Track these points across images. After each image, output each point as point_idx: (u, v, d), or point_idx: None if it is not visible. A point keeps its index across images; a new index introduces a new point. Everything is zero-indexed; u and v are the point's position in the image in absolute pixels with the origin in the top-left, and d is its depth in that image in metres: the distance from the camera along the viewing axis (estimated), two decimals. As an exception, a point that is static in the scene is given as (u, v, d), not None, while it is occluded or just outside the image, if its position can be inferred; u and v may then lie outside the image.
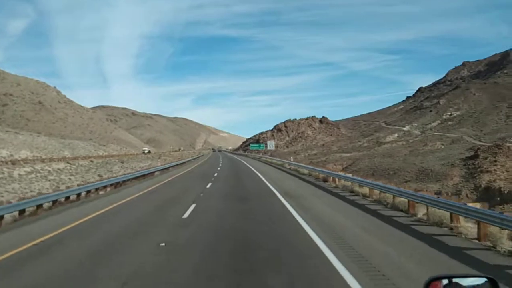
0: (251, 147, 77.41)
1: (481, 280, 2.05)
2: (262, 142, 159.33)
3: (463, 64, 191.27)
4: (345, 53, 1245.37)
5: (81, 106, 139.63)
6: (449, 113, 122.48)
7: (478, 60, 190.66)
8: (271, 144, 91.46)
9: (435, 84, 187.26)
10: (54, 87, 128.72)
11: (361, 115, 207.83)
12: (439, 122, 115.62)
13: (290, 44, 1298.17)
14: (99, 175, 40.90)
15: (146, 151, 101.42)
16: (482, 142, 73.76)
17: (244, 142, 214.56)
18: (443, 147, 76.66)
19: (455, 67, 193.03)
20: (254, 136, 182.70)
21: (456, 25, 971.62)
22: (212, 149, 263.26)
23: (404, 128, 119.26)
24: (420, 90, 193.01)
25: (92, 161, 55.04)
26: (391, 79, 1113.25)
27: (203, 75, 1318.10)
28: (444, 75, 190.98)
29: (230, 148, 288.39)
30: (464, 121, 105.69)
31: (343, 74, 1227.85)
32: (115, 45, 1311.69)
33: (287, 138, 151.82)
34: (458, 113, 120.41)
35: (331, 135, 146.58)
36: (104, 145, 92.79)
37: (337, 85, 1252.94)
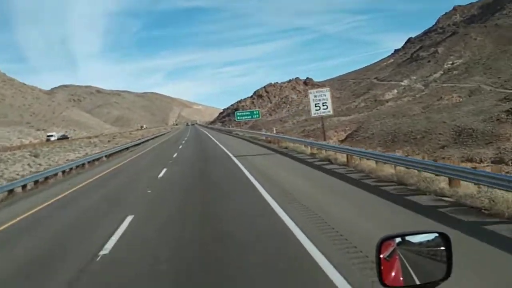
0: (237, 117, 59.57)
1: (433, 235, 2.12)
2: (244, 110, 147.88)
3: (454, 9, 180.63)
4: (315, 17, 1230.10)
5: (24, 84, 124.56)
6: (451, 62, 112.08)
7: (469, 4, 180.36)
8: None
9: (425, 33, 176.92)
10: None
11: (346, 73, 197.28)
12: (442, 72, 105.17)
13: (258, 11, 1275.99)
14: None
15: (52, 138, 75.56)
16: (509, 89, 63.50)
17: (220, 113, 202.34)
18: (461, 99, 66.22)
19: (446, 13, 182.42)
20: (232, 105, 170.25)
21: None
22: (187, 123, 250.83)
23: (403, 83, 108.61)
24: (409, 41, 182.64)
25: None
26: (363, 39, 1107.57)
27: (173, 49, 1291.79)
28: (434, 23, 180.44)
29: (205, 121, 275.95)
30: (472, 69, 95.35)
31: (315, 38, 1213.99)
32: (80, 24, 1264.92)
33: (269, 104, 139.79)
34: (461, 61, 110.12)
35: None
36: (43, 130, 79.82)
37: (310, 49, 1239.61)
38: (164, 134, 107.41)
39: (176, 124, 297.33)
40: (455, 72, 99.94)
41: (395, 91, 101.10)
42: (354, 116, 74.90)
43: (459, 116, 47.61)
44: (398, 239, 2.11)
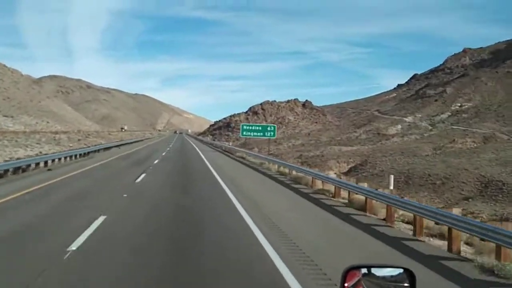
0: (243, 131, 47.01)
1: (398, 271, 2.15)
2: (234, 126, 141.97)
3: (464, 51, 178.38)
4: (316, 43, 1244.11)
5: (4, 66, 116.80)
6: (459, 104, 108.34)
7: (480, 48, 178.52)
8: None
9: (432, 72, 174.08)
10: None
11: (344, 102, 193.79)
12: (450, 113, 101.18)
13: (262, 30, 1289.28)
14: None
15: None
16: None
17: (211, 125, 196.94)
18: (475, 145, 61.68)
19: (455, 54, 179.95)
20: (224, 119, 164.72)
21: (424, 22, 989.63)
22: (175, 131, 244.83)
23: (407, 119, 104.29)
24: (414, 77, 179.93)
25: None
26: (360, 72, 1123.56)
27: (172, 55, 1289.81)
28: (442, 62, 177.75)
29: (194, 131, 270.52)
30: (483, 114, 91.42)
31: (314, 64, 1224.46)
32: (82, 18, 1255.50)
33: (264, 123, 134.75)
34: (470, 104, 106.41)
35: (316, 122, 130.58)
36: (11, 117, 73.21)
37: (308, 74, 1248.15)
38: (144, 140, 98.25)
39: (159, 130, 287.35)
40: (464, 115, 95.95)
41: (399, 126, 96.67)
42: (357, 147, 69.91)
43: (481, 164, 42.75)
44: (364, 270, 2.10)
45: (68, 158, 31.91)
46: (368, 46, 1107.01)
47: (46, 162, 26.99)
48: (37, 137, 46.22)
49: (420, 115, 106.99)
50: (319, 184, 20.95)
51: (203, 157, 41.76)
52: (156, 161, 33.99)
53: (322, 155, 62.28)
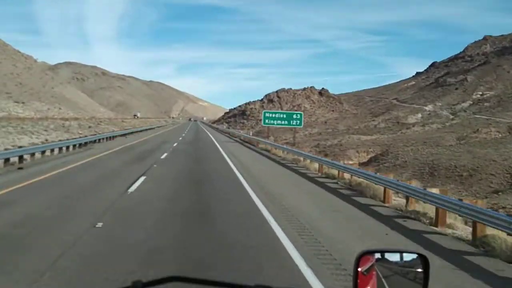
0: (266, 119, 41.42)
1: (412, 256, 2.15)
2: (250, 114, 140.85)
3: (485, 38, 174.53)
4: (330, 31, 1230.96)
5: (18, 51, 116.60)
6: (480, 93, 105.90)
7: (501, 36, 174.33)
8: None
9: (451, 59, 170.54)
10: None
11: (362, 90, 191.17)
12: (471, 102, 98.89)
13: (277, 18, 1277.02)
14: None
15: None
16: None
17: (226, 113, 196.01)
18: (500, 135, 59.79)
19: (475, 42, 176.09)
20: (240, 106, 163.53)
21: (440, 10, 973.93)
22: (189, 118, 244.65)
23: (427, 108, 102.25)
24: (433, 65, 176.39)
25: None
26: (373, 60, 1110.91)
27: (187, 43, 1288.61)
28: (462, 50, 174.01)
29: (209, 119, 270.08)
30: (506, 103, 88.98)
31: (329, 52, 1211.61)
32: (98, 5, 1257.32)
33: (280, 110, 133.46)
34: (492, 93, 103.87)
35: (332, 110, 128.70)
36: (22, 103, 72.44)
37: (323, 62, 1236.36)
38: (156, 128, 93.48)
39: (173, 117, 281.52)
40: (486, 104, 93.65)
41: (419, 115, 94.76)
42: (376, 136, 68.37)
43: (510, 155, 41.12)
44: (377, 255, 2.11)
45: (57, 150, 26.03)
46: (384, 34, 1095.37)
47: (21, 157, 20.19)
48: (45, 123, 44.38)
49: (440, 104, 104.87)
50: (399, 201, 14.79)
51: (221, 150, 34.83)
52: (163, 156, 27.44)
53: (341, 144, 60.91)
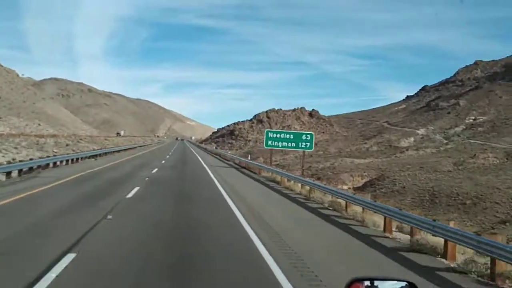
0: (268, 140, 35.59)
1: (401, 284, 2.12)
2: (238, 134, 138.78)
3: (476, 63, 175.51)
4: (319, 55, 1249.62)
5: (0, 65, 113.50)
6: (473, 117, 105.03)
7: (492, 61, 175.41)
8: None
9: (442, 84, 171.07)
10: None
11: (352, 112, 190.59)
12: (464, 127, 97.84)
13: (265, 40, 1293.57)
14: None
15: None
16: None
17: (214, 133, 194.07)
18: (497, 160, 58.25)
19: (466, 66, 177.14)
20: (228, 126, 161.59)
21: (427, 36, 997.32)
22: (176, 138, 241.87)
23: (419, 132, 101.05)
24: (424, 89, 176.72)
25: None
26: (359, 83, 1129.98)
27: (176, 63, 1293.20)
28: (453, 74, 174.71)
29: (196, 138, 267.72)
30: (500, 129, 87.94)
31: (318, 74, 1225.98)
32: (87, 24, 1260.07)
33: (286, 130, 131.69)
34: (485, 118, 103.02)
35: (323, 132, 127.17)
36: None
37: (308, 84, 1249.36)
38: (137, 148, 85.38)
39: (157, 136, 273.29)
40: (480, 128, 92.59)
41: (412, 139, 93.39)
42: (370, 160, 66.51)
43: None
44: (367, 283, 2.08)
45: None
46: (371, 58, 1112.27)
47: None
48: (16, 140, 40.97)
49: (432, 128, 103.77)
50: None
51: (216, 181, 26.16)
52: (133, 191, 18.98)
53: (334, 167, 58.92)
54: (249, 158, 51.78)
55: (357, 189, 48.89)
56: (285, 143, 35.93)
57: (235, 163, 50.59)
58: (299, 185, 24.23)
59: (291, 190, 24.67)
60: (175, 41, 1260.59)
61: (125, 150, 64.59)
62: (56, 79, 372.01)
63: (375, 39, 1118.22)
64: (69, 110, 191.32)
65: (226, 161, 55.81)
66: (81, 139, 64.25)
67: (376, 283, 2.09)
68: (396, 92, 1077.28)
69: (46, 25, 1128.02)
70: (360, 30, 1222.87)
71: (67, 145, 51.05)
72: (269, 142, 35.88)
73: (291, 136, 36.60)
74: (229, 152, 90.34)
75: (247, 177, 33.59)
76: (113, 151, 55.77)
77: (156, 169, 33.07)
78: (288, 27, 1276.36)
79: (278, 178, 29.43)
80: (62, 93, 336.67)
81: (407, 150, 75.25)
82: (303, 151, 37.72)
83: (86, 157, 39.95)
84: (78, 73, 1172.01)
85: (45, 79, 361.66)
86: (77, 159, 37.10)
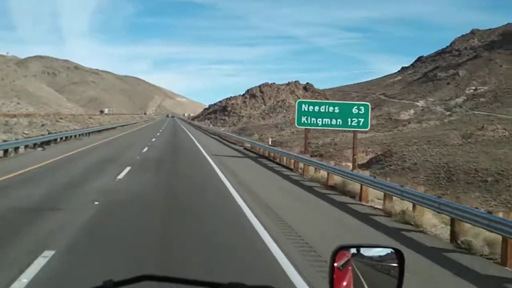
0: (301, 116, 24.23)
1: (387, 251, 2.17)
2: (231, 110, 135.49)
3: (472, 32, 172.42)
4: (308, 28, 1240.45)
5: None
6: (474, 88, 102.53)
7: (489, 29, 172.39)
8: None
9: (439, 54, 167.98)
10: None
11: (346, 85, 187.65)
12: (465, 98, 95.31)
13: (254, 15, 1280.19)
14: None
15: None
16: None
17: (206, 109, 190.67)
18: (506, 132, 55.84)
19: (463, 35, 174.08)
20: (220, 102, 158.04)
21: (415, 8, 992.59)
22: (167, 115, 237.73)
23: (419, 104, 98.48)
24: (420, 59, 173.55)
25: None
26: (350, 56, 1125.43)
27: (163, 39, 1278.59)
28: (449, 44, 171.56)
29: (188, 115, 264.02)
30: (502, 99, 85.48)
31: (308, 48, 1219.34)
32: (71, 0, 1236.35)
33: (263, 106, 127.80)
34: (485, 88, 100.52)
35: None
36: None
37: (298, 59, 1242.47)
38: (123, 126, 73.87)
39: (144, 114, 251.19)
40: (482, 99, 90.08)
41: (412, 111, 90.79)
42: (371, 134, 63.88)
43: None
44: (353, 250, 2.13)
45: None
46: (362, 31, 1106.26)
47: None
48: None
49: (432, 99, 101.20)
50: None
51: (234, 193, 14.43)
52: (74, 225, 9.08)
53: (335, 144, 56.26)
54: (270, 143, 42.76)
55: (362, 166, 46.35)
56: (327, 120, 24.58)
57: (246, 149, 37.79)
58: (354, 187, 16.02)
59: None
60: (162, 17, 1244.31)
61: (99, 131, 51.66)
62: (41, 56, 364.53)
63: (366, 12, 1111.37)
64: (55, 88, 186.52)
65: (231, 146, 41.34)
66: (61, 118, 59.37)
67: (362, 250, 2.09)
68: (388, 65, 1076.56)
69: (31, 3, 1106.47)
70: (350, 2, 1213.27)
71: (42, 125, 45.91)
72: (303, 119, 24.69)
73: (336, 109, 24.63)
74: (222, 129, 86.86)
75: (280, 178, 20.23)
76: (87, 133, 44.29)
77: (128, 168, 19.19)
78: (277, 1, 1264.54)
79: (338, 181, 17.69)
80: (48, 71, 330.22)
81: (409, 123, 72.71)
82: (353, 131, 25.68)
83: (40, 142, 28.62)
84: (64, 51, 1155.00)
85: (29, 57, 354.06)
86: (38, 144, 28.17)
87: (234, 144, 43.30)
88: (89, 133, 45.17)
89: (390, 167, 39.86)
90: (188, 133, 66.21)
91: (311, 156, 26.30)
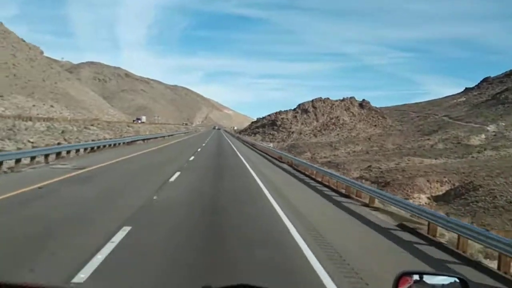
0: None
1: (451, 279, 2.10)
2: (281, 125, 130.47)
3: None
4: (359, 46, 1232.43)
5: (22, 40, 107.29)
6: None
7: None
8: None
9: (507, 75, 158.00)
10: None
11: (403, 104, 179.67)
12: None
13: (304, 30, 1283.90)
14: None
15: None
16: None
17: (253, 122, 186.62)
18: None
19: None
20: (269, 115, 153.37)
21: (469, 29, 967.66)
22: (214, 127, 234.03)
23: (489, 128, 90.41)
24: (486, 80, 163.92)
25: None
26: (402, 76, 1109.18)
27: (214, 52, 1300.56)
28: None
29: (234, 128, 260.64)
30: None
31: (357, 66, 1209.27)
32: (130, 12, 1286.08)
33: (315, 123, 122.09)
34: None
35: (375, 125, 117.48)
36: (0, 96, 62.60)
37: (348, 76, 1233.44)
38: (168, 136, 65.75)
39: (186, 124, 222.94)
40: None
41: (483, 136, 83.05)
42: (443, 160, 57.26)
43: None
44: (416, 277, 2.08)
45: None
46: (414, 51, 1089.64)
47: None
48: None
49: (503, 124, 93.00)
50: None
51: None
52: None
53: (403, 170, 49.95)
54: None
55: (438, 198, 40.15)
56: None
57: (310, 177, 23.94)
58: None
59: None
60: (215, 30, 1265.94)
61: (128, 142, 42.27)
62: (93, 62, 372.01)
63: (418, 32, 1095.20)
64: (105, 94, 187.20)
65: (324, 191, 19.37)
66: (92, 125, 53.77)
67: (425, 277, 2.03)
68: (442, 87, 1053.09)
69: (90, 12, 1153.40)
70: (402, 22, 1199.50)
71: (62, 131, 39.92)
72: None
73: None
74: (272, 145, 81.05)
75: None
76: (97, 146, 31.69)
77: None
78: (328, 17, 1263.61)
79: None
80: (98, 77, 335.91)
81: (484, 149, 65.38)
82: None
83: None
84: (117, 59, 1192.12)
85: (82, 63, 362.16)
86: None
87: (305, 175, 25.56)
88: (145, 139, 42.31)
89: (477, 204, 33.56)
90: (239, 155, 38.95)
91: (373, 182, 20.25)
